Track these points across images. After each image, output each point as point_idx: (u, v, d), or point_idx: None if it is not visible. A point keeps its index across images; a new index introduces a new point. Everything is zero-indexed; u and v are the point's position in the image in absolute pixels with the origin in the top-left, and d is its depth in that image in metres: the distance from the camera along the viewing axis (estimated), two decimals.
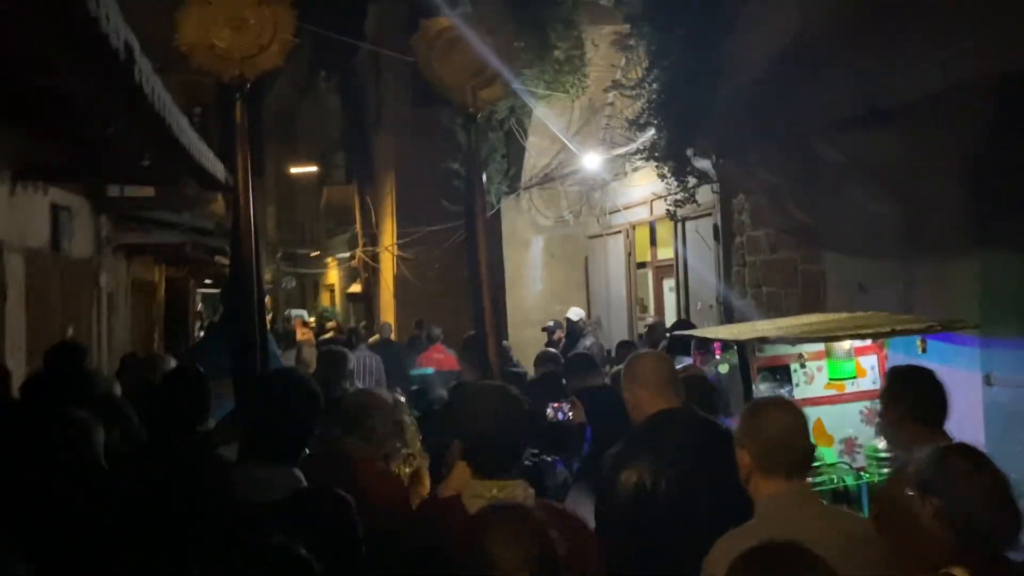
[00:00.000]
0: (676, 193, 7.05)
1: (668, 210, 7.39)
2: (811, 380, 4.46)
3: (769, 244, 6.79)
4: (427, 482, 3.42)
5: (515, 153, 10.78)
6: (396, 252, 16.22)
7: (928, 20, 4.12)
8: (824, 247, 5.94)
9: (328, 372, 4.80)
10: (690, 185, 6.74)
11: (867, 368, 4.37)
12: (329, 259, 27.49)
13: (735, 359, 4.94)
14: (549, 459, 3.86)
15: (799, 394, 4.40)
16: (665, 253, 9.22)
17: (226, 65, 3.37)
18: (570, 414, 4.07)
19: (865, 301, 5.59)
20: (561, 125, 10.27)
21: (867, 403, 4.22)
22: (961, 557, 1.78)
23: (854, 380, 4.37)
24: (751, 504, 2.27)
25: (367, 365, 9.20)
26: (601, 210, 10.12)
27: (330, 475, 2.66)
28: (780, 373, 4.54)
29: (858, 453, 4.35)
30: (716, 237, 7.49)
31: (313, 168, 22.71)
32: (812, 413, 4.47)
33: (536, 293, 10.93)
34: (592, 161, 9.00)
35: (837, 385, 4.44)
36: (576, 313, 9.03)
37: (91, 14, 2.65)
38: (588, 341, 8.74)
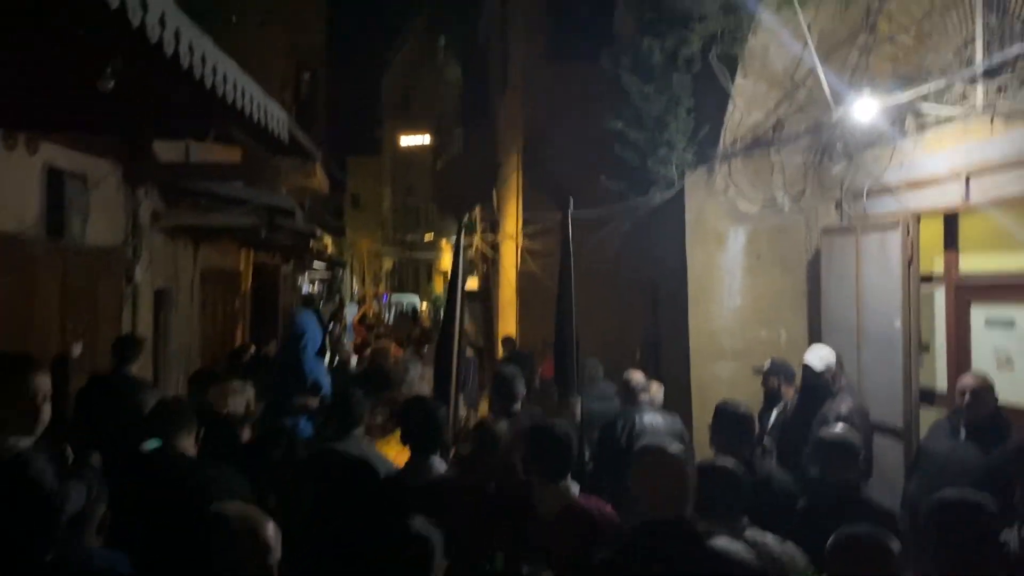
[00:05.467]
0: None
1: None
2: None
3: None
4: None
5: (710, 104, 7.32)
6: (521, 242, 13.32)
7: None
8: None
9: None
10: None
11: None
12: (443, 242, 26.79)
13: None
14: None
15: None
16: (980, 263, 5.59)
17: None
18: None
19: None
20: (788, 58, 6.72)
21: None
22: None
23: None
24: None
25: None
26: (848, 191, 6.54)
27: None
28: None
29: None
30: None
31: (426, 138, 19.97)
32: None
33: (732, 310, 7.46)
34: (867, 109, 5.42)
35: None
36: (820, 358, 5.48)
37: None
38: (843, 407, 5.18)
